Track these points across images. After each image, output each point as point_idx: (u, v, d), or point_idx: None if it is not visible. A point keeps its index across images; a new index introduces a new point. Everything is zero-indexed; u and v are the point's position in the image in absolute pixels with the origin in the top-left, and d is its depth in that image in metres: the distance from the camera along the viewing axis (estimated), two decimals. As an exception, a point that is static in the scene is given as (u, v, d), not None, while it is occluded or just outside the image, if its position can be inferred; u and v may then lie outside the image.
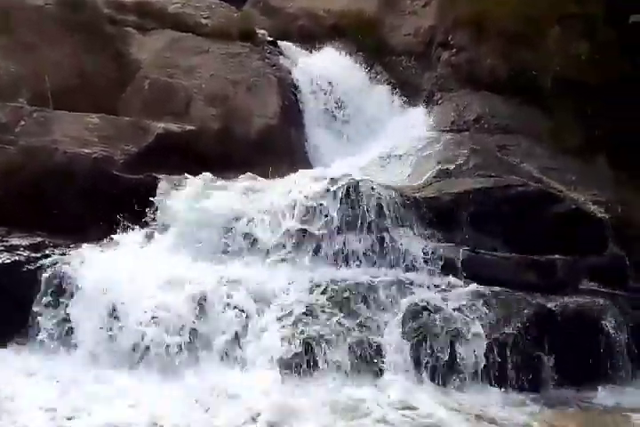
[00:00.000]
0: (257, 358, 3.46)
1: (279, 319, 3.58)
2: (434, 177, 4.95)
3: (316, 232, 4.11)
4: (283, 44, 6.43)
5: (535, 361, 3.59)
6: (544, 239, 4.33)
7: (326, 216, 4.18)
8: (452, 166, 5.06)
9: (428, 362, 3.51)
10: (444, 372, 3.51)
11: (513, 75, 6.18)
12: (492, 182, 4.73)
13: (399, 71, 7.17)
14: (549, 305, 3.80)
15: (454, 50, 6.62)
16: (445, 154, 5.26)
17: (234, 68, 5.78)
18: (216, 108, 5.51)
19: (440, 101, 6.55)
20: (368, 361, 3.53)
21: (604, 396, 3.51)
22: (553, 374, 3.58)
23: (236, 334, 3.55)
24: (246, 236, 4.09)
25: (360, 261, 4.15)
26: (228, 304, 3.66)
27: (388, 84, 6.70)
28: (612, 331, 3.66)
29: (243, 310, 3.64)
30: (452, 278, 4.01)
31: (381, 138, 5.88)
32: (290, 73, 5.93)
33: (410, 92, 6.74)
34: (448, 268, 4.10)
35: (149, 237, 4.22)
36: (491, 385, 3.49)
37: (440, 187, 4.77)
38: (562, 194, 4.77)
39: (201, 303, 3.61)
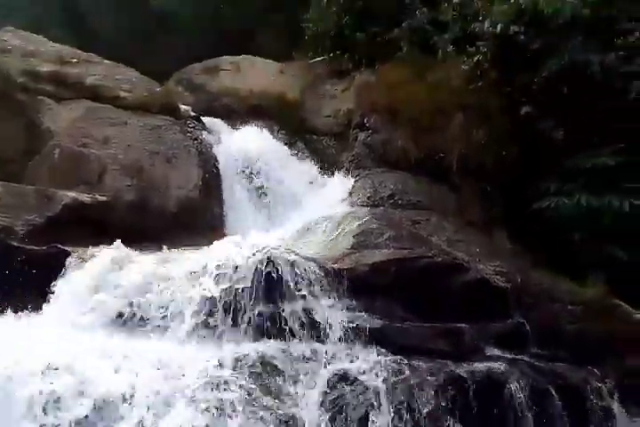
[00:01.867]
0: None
1: (190, 396, 3.49)
2: (350, 249, 5.19)
3: (232, 303, 4.15)
4: (207, 119, 6.74)
5: (447, 427, 3.67)
6: (452, 308, 4.58)
7: (244, 288, 4.26)
8: (367, 239, 5.33)
9: (347, 433, 3.50)
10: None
11: (422, 156, 6.77)
12: (404, 254, 5.02)
13: (320, 149, 7.69)
14: (459, 371, 3.94)
15: (370, 131, 7.20)
16: (362, 227, 5.53)
17: (152, 140, 5.93)
18: (132, 179, 5.56)
19: (357, 179, 6.99)
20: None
21: None
22: None
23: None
24: (157, 308, 4.05)
25: (277, 333, 4.20)
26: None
27: (308, 161, 7.15)
28: (516, 395, 3.83)
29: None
30: (367, 349, 4.10)
31: (301, 212, 6.14)
32: (212, 147, 6.19)
33: (329, 169, 7.20)
34: (364, 338, 4.21)
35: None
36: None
37: (357, 258, 4.97)
38: (468, 265, 5.11)
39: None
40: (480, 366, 4.05)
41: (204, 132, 6.44)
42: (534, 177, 6.69)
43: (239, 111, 7.46)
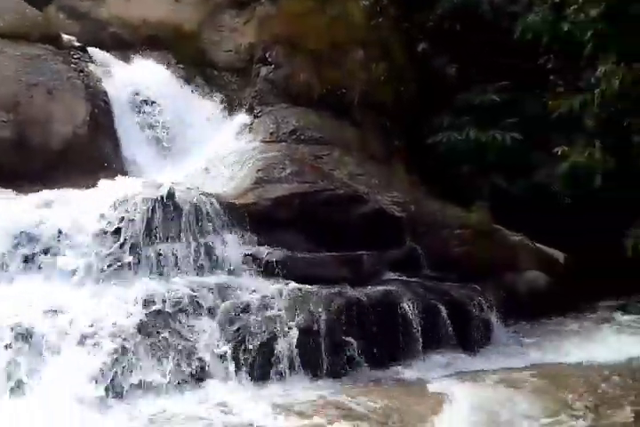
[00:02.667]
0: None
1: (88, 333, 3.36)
2: (252, 184, 5.07)
3: (131, 241, 3.95)
4: (94, 51, 6.06)
5: (345, 348, 3.80)
6: (352, 237, 4.68)
7: (143, 225, 4.05)
8: (270, 174, 5.22)
9: (247, 361, 3.54)
10: (263, 369, 3.57)
11: (325, 92, 6.62)
12: (307, 187, 4.99)
13: (221, 85, 7.24)
14: (358, 295, 4.08)
15: (272, 66, 6.87)
16: (264, 163, 5.41)
17: (30, 71, 5.23)
18: (7, 114, 4.94)
19: (260, 115, 6.76)
20: (190, 370, 3.45)
21: (405, 370, 3.83)
22: (362, 357, 3.81)
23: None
24: (49, 251, 3.79)
25: (180, 269, 4.09)
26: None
27: (209, 97, 6.74)
28: (408, 313, 4.05)
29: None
30: (271, 279, 4.12)
31: (201, 149, 5.85)
32: (101, 81, 5.61)
33: (232, 105, 6.87)
34: (267, 270, 4.22)
35: None
36: (306, 376, 3.61)
37: (259, 193, 4.88)
38: (367, 196, 5.20)
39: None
40: (377, 288, 4.23)
41: (91, 65, 5.78)
42: (431, 113, 6.85)
43: (131, 43, 6.75)
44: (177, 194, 4.25)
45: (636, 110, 5.56)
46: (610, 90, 5.59)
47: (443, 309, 4.20)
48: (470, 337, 4.25)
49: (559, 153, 6.07)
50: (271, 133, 6.22)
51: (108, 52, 6.29)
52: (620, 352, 3.90)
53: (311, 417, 3.06)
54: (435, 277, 4.65)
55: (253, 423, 2.99)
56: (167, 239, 4.20)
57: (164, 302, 3.75)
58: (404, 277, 4.54)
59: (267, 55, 6.98)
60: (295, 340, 3.64)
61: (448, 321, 4.16)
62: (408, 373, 3.81)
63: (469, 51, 6.78)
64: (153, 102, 5.91)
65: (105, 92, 5.56)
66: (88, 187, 4.29)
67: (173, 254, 4.13)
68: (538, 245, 5.33)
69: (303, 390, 3.46)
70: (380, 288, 4.22)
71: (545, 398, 3.21)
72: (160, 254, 4.08)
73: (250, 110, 6.81)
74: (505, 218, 5.41)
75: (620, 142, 5.78)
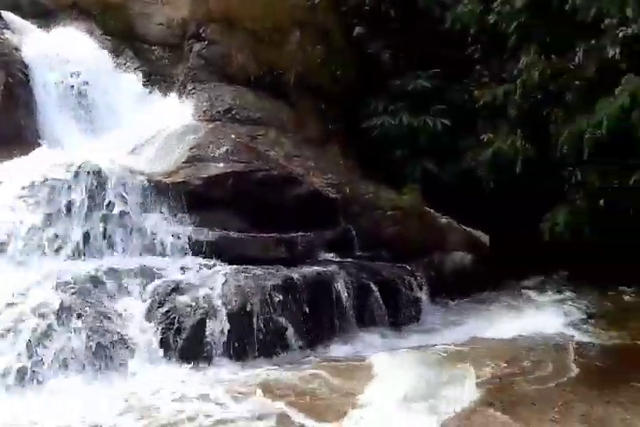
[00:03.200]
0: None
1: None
2: (184, 163, 4.80)
3: (57, 221, 3.64)
4: (10, 17, 5.47)
5: (279, 328, 3.71)
6: (287, 218, 4.56)
7: (67, 204, 3.75)
8: (203, 153, 4.96)
9: (176, 344, 3.37)
10: (194, 350, 3.40)
11: (261, 72, 6.40)
12: (240, 167, 4.81)
13: (152, 60, 6.84)
14: (292, 275, 3.97)
15: (206, 43, 6.55)
16: (197, 141, 5.12)
17: None
18: None
19: (193, 92, 6.43)
20: (112, 353, 3.25)
21: (338, 348, 3.80)
22: (295, 336, 3.73)
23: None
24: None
25: (105, 249, 3.83)
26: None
27: (139, 72, 6.33)
28: (342, 292, 4.02)
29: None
30: (203, 260, 3.95)
31: (130, 125, 5.46)
32: (17, 50, 5.08)
33: (163, 81, 6.49)
34: (199, 250, 4.03)
35: None
36: (238, 357, 3.48)
37: (190, 172, 4.62)
38: (302, 178, 5.09)
39: None
40: (311, 269, 4.15)
41: (7, 32, 5.23)
42: (367, 97, 6.81)
43: (52, 10, 6.19)
44: (101, 171, 3.94)
45: (554, 101, 5.80)
46: (530, 81, 5.80)
47: (375, 288, 4.20)
48: (401, 315, 4.29)
49: (485, 140, 6.27)
50: (204, 112, 5.94)
51: (26, 19, 5.72)
52: (538, 326, 4.07)
53: (243, 398, 2.95)
54: (367, 257, 4.64)
55: (185, 408, 2.83)
56: (91, 218, 3.91)
57: (87, 282, 3.51)
58: (338, 258, 4.50)
59: (200, 31, 6.65)
60: (227, 321, 3.50)
61: (380, 300, 4.18)
62: (341, 351, 3.78)
63: (403, 37, 6.79)
64: (75, 74, 5.44)
65: (22, 62, 5.05)
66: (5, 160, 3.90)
67: (99, 234, 3.87)
68: (465, 227, 5.46)
69: (235, 372, 3.35)
70: (314, 268, 4.15)
71: (468, 368, 3.29)
72: (85, 234, 3.81)
73: (182, 87, 6.47)
74: (434, 201, 5.50)
75: (539, 131, 6.02)
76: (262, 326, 3.62)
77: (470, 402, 2.83)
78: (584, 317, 4.48)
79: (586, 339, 3.92)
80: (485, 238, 5.46)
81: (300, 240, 4.44)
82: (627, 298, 4.90)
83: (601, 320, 4.41)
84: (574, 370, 3.30)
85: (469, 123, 6.52)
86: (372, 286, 4.21)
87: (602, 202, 5.40)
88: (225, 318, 3.48)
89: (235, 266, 3.92)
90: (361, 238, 4.76)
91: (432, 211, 5.44)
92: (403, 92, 6.56)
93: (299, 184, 4.92)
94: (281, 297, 3.77)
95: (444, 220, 5.39)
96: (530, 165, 5.89)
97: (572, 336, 3.95)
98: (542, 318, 4.28)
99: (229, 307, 3.54)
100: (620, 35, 4.95)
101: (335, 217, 4.83)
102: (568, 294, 5.02)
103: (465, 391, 2.98)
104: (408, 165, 6.25)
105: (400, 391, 2.95)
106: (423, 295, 4.45)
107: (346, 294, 4.03)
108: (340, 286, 4.03)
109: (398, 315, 4.26)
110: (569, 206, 5.64)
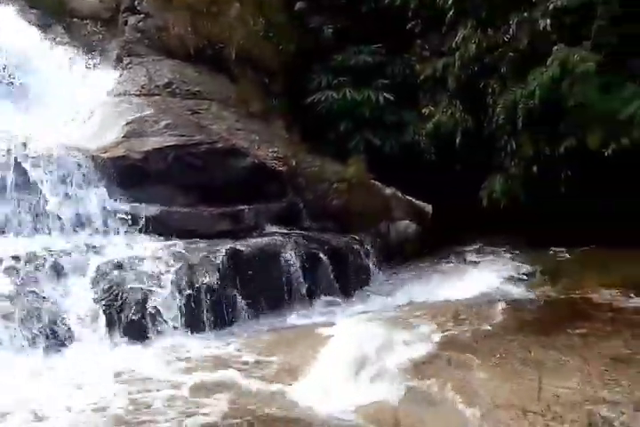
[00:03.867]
0: None
1: None
2: (123, 137, 4.51)
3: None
4: None
5: (229, 300, 3.60)
6: (233, 192, 4.39)
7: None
8: (142, 127, 4.67)
9: (122, 321, 3.19)
10: (140, 328, 3.24)
11: (201, 45, 6.11)
12: (182, 140, 4.56)
13: (84, 35, 6.42)
14: (239, 248, 3.85)
15: (142, 15, 6.19)
16: (135, 116, 4.82)
17: None
18: None
19: (130, 67, 6.06)
20: (52, 332, 3.04)
21: (288, 318, 3.73)
22: (246, 308, 3.64)
23: None
24: None
25: (42, 227, 3.55)
26: None
27: (71, 47, 5.89)
28: (291, 262, 3.93)
29: None
30: (145, 236, 3.75)
31: (65, 101, 5.08)
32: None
33: (97, 56, 6.09)
34: (142, 226, 3.82)
35: None
36: (188, 332, 3.34)
37: (130, 146, 4.35)
38: (247, 150, 4.92)
39: None
40: (259, 240, 4.03)
41: None
42: (310, 72, 6.66)
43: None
44: (35, 147, 3.63)
45: (490, 73, 5.86)
46: (467, 54, 5.82)
47: (324, 257, 4.13)
48: (350, 282, 4.26)
49: (426, 113, 6.28)
50: (143, 86, 5.60)
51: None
52: (479, 285, 4.16)
53: (193, 371, 2.82)
54: (315, 228, 4.56)
55: (131, 386, 2.67)
56: (25, 195, 3.61)
57: (25, 262, 3.23)
58: (286, 230, 4.39)
59: (135, 4, 6.27)
60: (174, 296, 3.34)
61: (329, 268, 4.12)
62: (292, 319, 3.72)
63: (344, 12, 6.65)
64: (3, 51, 4.98)
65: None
66: None
67: (33, 211, 3.58)
68: (408, 197, 5.48)
69: (185, 346, 3.20)
70: (262, 240, 4.03)
71: (417, 327, 3.30)
72: (18, 212, 3.52)
73: (118, 61, 6.10)
74: (379, 173, 5.47)
75: (477, 103, 6.08)
76: (211, 299, 3.48)
77: (418, 357, 2.83)
78: (521, 275, 4.61)
79: (523, 294, 4.04)
80: (428, 208, 5.50)
81: (246, 213, 4.30)
82: (559, 257, 5.07)
83: (536, 277, 4.55)
84: (512, 322, 3.37)
85: (411, 96, 6.50)
86: (321, 255, 4.14)
87: (535, 169, 5.55)
88: (171, 293, 3.32)
89: (179, 241, 3.74)
90: (308, 211, 4.67)
91: (377, 182, 5.41)
92: (345, 66, 6.45)
93: (243, 157, 4.74)
94: (229, 270, 3.64)
95: (388, 191, 5.38)
96: (469, 135, 5.96)
97: (510, 293, 4.07)
98: (482, 278, 4.37)
99: (175, 282, 3.37)
100: (551, 7, 5.01)
101: (281, 190, 4.70)
102: (507, 256, 5.15)
103: (413, 347, 2.99)
104: (352, 139, 6.19)
105: (351, 355, 2.92)
106: (371, 263, 4.43)
107: (295, 264, 3.94)
108: (288, 256, 3.93)
109: (347, 282, 4.22)
110: (505, 174, 5.76)
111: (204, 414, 2.41)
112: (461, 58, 5.85)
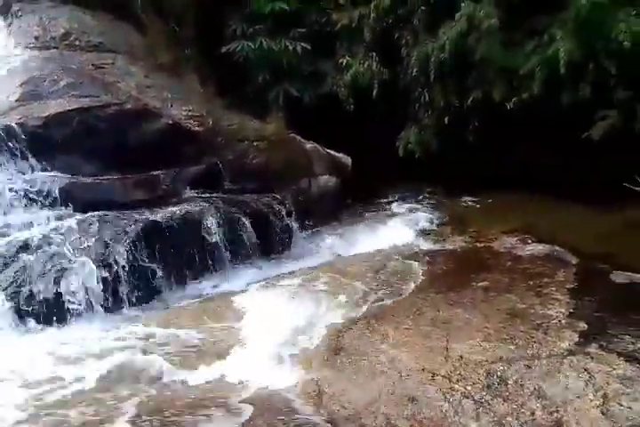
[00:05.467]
0: None
1: None
2: (17, 101, 3.92)
3: None
4: None
5: (149, 273, 3.36)
6: (146, 156, 4.00)
7: None
8: (39, 88, 4.07)
9: (32, 307, 2.90)
10: (53, 312, 2.96)
11: (102, -10, 5.32)
12: (87, 102, 4.03)
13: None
14: (156, 218, 3.55)
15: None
16: (30, 75, 4.19)
17: None
18: None
19: (20, 14, 5.19)
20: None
21: (210, 286, 3.57)
22: (166, 280, 3.43)
23: None
24: None
25: None
26: None
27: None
28: (212, 229, 3.71)
29: None
30: (51, 211, 3.36)
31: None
32: None
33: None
34: (47, 199, 3.41)
35: None
36: (105, 311, 3.11)
37: (26, 112, 3.79)
38: (159, 111, 4.45)
39: None
40: (177, 209, 3.75)
41: None
42: (223, 20, 6.04)
43: None
44: None
45: (403, 26, 5.60)
46: (382, 5, 5.51)
47: (245, 220, 3.94)
48: (273, 244, 4.13)
49: (344, 64, 5.98)
50: (36, 38, 4.85)
51: None
52: (396, 239, 4.19)
53: (115, 353, 2.67)
54: (236, 190, 4.31)
55: (45, 372, 2.49)
56: None
57: None
58: (206, 194, 4.13)
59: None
60: (89, 274, 3.07)
61: (252, 232, 3.95)
62: (216, 288, 3.56)
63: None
64: None
65: None
66: None
67: None
68: (328, 151, 5.32)
69: (102, 327, 2.98)
70: (181, 208, 3.75)
71: (338, 287, 3.32)
72: None
73: (5, 8, 5.20)
74: (299, 126, 5.21)
75: (392, 55, 5.85)
76: (129, 275, 3.23)
77: (338, 321, 2.85)
78: (434, 226, 4.73)
79: (434, 246, 4.14)
80: (348, 161, 5.39)
81: (162, 179, 3.96)
82: (470, 207, 5.25)
83: (447, 227, 4.68)
84: (424, 278, 3.47)
85: (329, 46, 6.14)
86: (243, 218, 3.94)
87: (446, 120, 5.54)
88: (85, 272, 3.04)
89: (90, 214, 3.39)
90: (228, 171, 4.38)
91: (298, 137, 5.17)
92: (260, 14, 5.90)
93: (156, 118, 4.30)
94: (147, 242, 3.37)
95: (309, 145, 5.17)
96: (386, 87, 5.78)
97: (422, 245, 4.16)
98: (398, 231, 4.42)
99: (88, 260, 3.09)
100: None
101: (199, 151, 4.35)
102: (423, 207, 5.24)
103: (335, 311, 3.01)
104: (271, 91, 5.82)
105: (274, 321, 2.89)
106: (293, 222, 4.31)
107: (216, 230, 3.72)
108: (209, 222, 3.70)
109: (271, 244, 4.09)
110: (419, 125, 5.73)
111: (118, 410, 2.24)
112: (376, 9, 5.54)
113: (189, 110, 4.65)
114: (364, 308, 3.03)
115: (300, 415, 2.22)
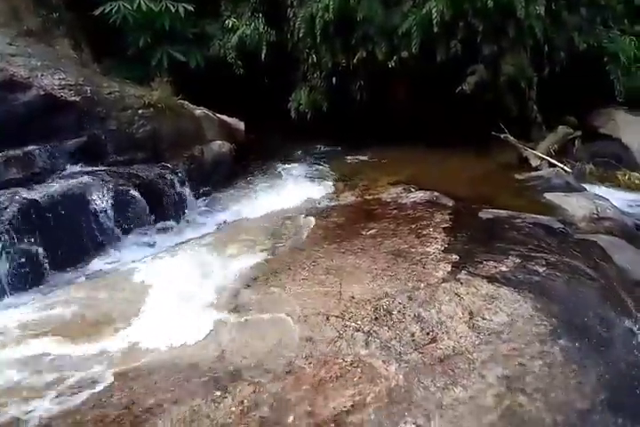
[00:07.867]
0: None
1: None
2: None
3: None
4: None
5: (31, 258, 3.11)
6: (18, 132, 3.64)
7: None
8: None
9: None
10: None
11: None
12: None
13: None
14: (35, 197, 3.26)
15: None
16: None
17: None
18: None
19: None
20: None
21: (103, 263, 3.39)
22: (54, 262, 3.21)
23: None
24: None
25: None
26: None
27: None
28: (99, 204, 3.49)
29: None
30: None
31: None
32: None
33: None
34: None
35: None
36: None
37: None
38: (29, 81, 4.01)
39: None
40: (59, 185, 3.48)
41: None
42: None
43: None
44: None
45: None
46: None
47: (135, 192, 3.73)
48: (167, 214, 3.96)
49: (229, 25, 5.68)
50: None
51: None
52: (293, 198, 4.19)
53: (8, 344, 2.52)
54: (123, 161, 4.06)
55: None
56: None
57: None
58: (90, 168, 3.86)
59: None
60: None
61: (143, 203, 3.76)
62: (109, 265, 3.37)
63: None
64: None
65: None
66: None
67: None
68: (220, 116, 5.14)
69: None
70: (62, 185, 3.48)
71: (236, 249, 3.32)
72: None
73: None
74: (187, 91, 4.94)
75: (279, 16, 5.64)
76: (9, 259, 2.98)
77: (237, 279, 2.86)
78: (329, 184, 4.81)
79: (329, 203, 4.19)
80: (241, 125, 5.26)
81: (38, 156, 3.61)
82: (361, 162, 5.39)
83: (340, 184, 4.79)
84: (318, 231, 3.51)
85: (213, 7, 5.77)
86: (132, 190, 3.72)
87: (334, 80, 5.54)
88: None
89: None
90: (113, 143, 4.09)
91: (186, 103, 4.93)
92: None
93: (25, 89, 3.86)
94: (26, 224, 3.10)
95: (198, 111, 4.95)
96: (274, 48, 5.61)
97: (317, 202, 4.23)
98: (295, 192, 4.44)
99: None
100: None
101: (78, 123, 3.99)
102: (318, 166, 5.29)
103: (235, 272, 3.02)
104: (154, 55, 5.42)
105: (173, 289, 2.85)
106: (186, 190, 4.16)
107: (104, 205, 3.51)
108: (94, 198, 3.47)
109: (164, 215, 3.92)
110: (308, 86, 5.69)
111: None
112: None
113: (63, 79, 4.22)
114: (263, 264, 3.06)
115: (206, 372, 2.22)
